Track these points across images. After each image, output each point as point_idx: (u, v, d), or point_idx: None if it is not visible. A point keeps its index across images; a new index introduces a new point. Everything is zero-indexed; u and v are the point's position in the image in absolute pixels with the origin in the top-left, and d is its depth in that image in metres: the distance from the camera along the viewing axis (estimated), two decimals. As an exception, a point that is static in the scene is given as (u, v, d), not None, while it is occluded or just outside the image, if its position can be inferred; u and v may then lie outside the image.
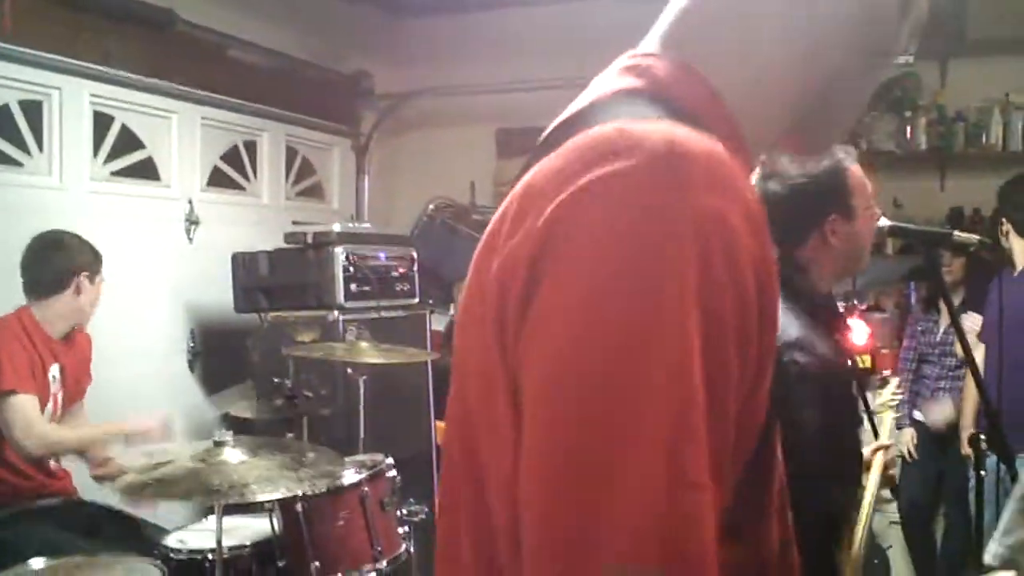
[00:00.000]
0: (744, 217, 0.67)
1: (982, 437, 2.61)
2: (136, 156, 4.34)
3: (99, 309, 3.46)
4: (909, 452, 4.35)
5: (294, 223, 4.51)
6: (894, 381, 2.66)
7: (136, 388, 3.92)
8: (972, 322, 3.89)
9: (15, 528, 3.01)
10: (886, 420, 2.42)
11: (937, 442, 4.18)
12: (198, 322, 4.52)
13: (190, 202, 4.52)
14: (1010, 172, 4.43)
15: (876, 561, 4.19)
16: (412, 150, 5.93)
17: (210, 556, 2.65)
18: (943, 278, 3.84)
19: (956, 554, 4.17)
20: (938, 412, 4.19)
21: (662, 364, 0.62)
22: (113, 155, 4.22)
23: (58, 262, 3.30)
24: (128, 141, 4.29)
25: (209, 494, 2.36)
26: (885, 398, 2.51)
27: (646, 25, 0.87)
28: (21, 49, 3.66)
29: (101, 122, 4.14)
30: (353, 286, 4.06)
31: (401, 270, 4.38)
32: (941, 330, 4.27)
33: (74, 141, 3.96)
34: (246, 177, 5.02)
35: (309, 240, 4.14)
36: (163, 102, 4.38)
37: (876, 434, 2.86)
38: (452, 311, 4.74)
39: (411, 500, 3.10)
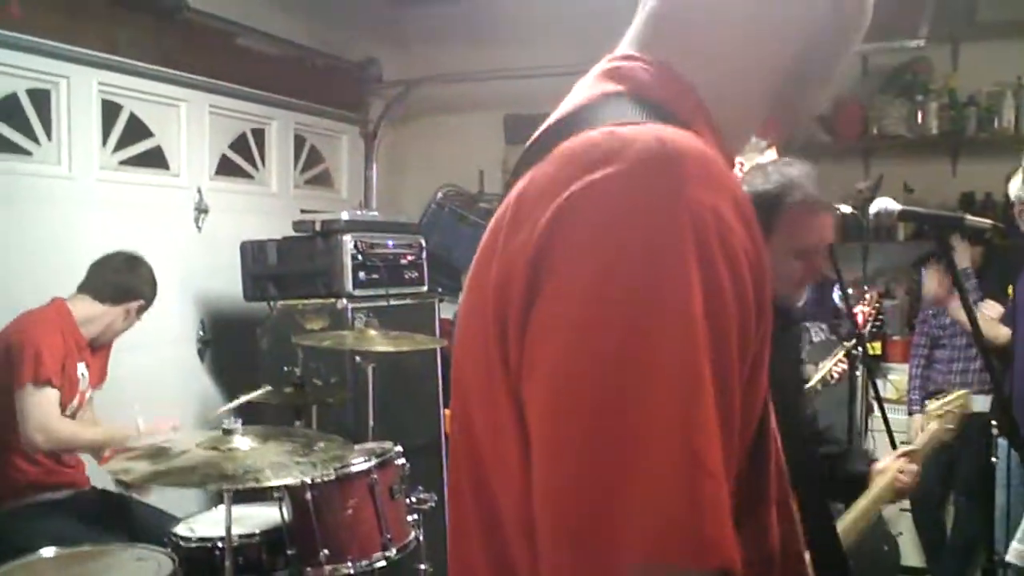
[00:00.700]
0: (736, 211, 0.68)
1: (993, 423, 2.60)
2: (145, 145, 4.33)
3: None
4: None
5: (302, 211, 4.52)
6: (959, 394, 2.52)
7: (146, 377, 3.93)
8: (990, 310, 3.87)
9: (27, 518, 3.02)
10: (931, 428, 2.37)
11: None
12: (207, 311, 4.53)
13: (199, 191, 4.52)
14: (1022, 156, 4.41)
15: (886, 548, 4.19)
16: (420, 137, 5.91)
17: (220, 544, 2.66)
18: (955, 262, 3.81)
19: (966, 540, 4.16)
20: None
21: (671, 357, 0.62)
22: (122, 144, 4.22)
23: (131, 279, 3.40)
24: (137, 130, 4.29)
25: (224, 481, 2.37)
26: (936, 407, 2.44)
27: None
28: (29, 38, 3.65)
29: (109, 111, 4.14)
30: (362, 274, 4.06)
31: (410, 258, 4.38)
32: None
33: (83, 130, 3.96)
34: (254, 165, 5.01)
35: (317, 228, 4.14)
36: (171, 90, 4.37)
37: (889, 431, 2.84)
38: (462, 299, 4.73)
39: (420, 488, 3.11)
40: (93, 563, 2.54)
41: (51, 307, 3.25)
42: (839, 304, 4.74)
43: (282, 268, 4.19)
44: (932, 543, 4.36)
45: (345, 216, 4.18)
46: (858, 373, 2.98)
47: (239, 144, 4.89)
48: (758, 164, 2.00)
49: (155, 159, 4.39)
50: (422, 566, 3.13)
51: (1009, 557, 2.86)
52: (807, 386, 3.00)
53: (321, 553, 2.75)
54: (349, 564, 2.78)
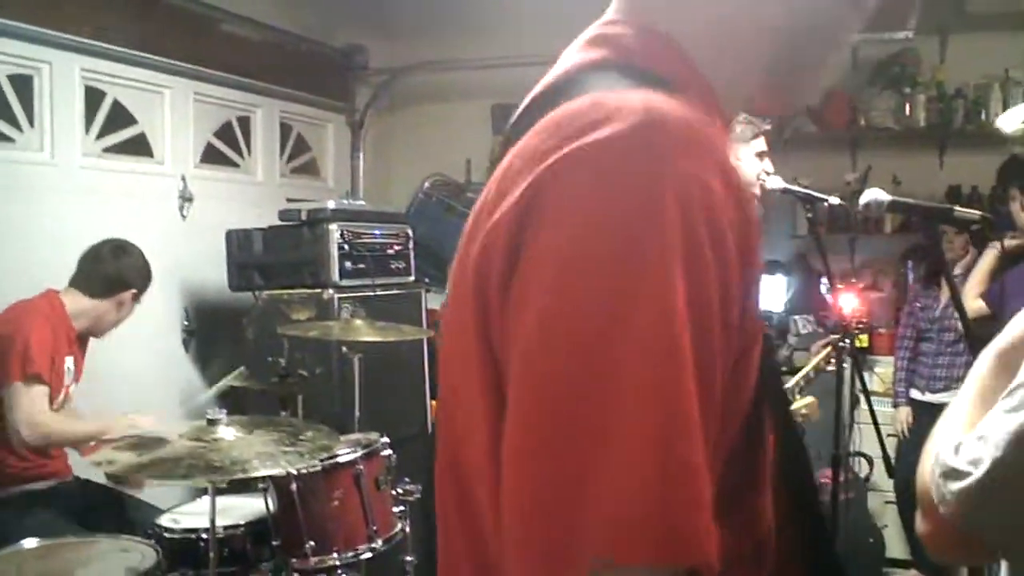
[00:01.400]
0: (722, 180, 0.66)
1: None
2: (129, 132, 4.29)
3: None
4: (903, 432, 4.35)
5: (288, 200, 4.49)
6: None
7: (130, 368, 3.90)
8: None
9: (9, 509, 2.99)
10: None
11: (933, 420, 4.16)
12: (192, 300, 4.50)
13: (183, 179, 4.48)
14: (1009, 150, 4.42)
15: (871, 540, 4.21)
16: (407, 126, 5.88)
17: (204, 535, 2.64)
18: (944, 254, 3.82)
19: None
20: None
21: (647, 339, 0.60)
22: (105, 131, 4.17)
23: (119, 269, 3.33)
24: (120, 116, 4.25)
25: (211, 472, 2.34)
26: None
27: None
28: (10, 23, 3.61)
29: (93, 97, 4.09)
30: (348, 264, 4.03)
31: (396, 248, 4.36)
32: (941, 305, 4.25)
33: (65, 116, 3.92)
34: (240, 154, 4.97)
35: (303, 217, 4.11)
36: (155, 77, 4.33)
37: (875, 422, 2.85)
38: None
39: (406, 479, 3.09)
40: (76, 554, 2.52)
41: (43, 299, 3.21)
42: (826, 296, 4.75)
43: (268, 257, 4.16)
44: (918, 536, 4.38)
45: (331, 205, 4.15)
46: (845, 365, 2.98)
47: (224, 132, 4.85)
48: None
49: (139, 146, 4.35)
50: (408, 558, 3.12)
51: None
52: (794, 379, 3.00)
53: (307, 544, 2.73)
54: (335, 555, 2.76)
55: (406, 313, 4.16)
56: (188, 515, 2.86)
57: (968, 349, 2.54)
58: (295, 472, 2.70)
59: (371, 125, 5.76)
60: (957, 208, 2.40)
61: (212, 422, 2.56)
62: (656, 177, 0.63)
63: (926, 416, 4.12)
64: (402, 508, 3.03)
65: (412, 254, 4.45)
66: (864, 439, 3.93)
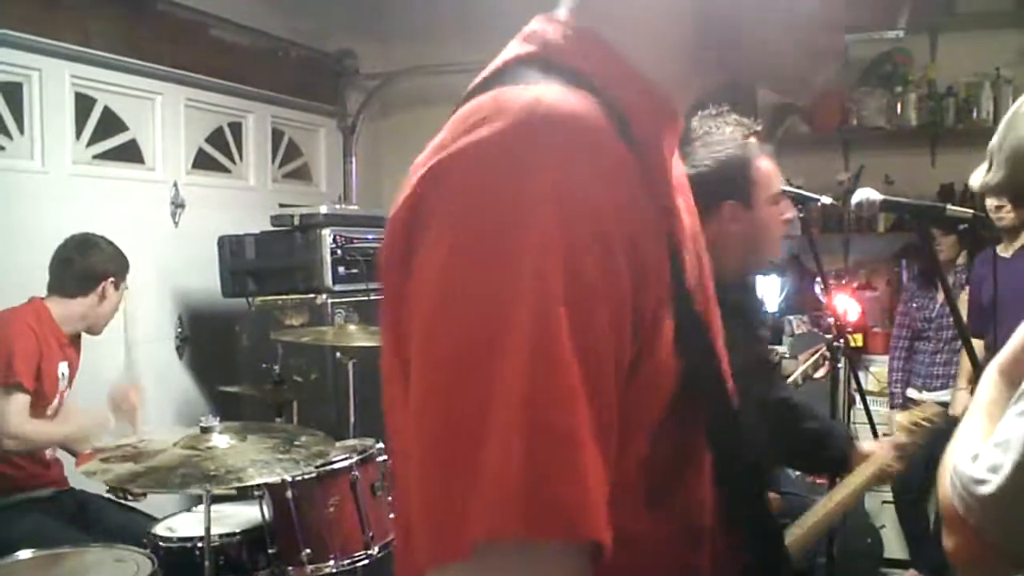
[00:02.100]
0: (611, 175, 0.67)
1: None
2: (119, 139, 4.27)
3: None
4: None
5: (281, 206, 4.48)
6: (929, 405, 2.57)
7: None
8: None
9: (5, 518, 2.98)
10: (903, 437, 2.37)
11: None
12: (185, 307, 4.48)
13: (175, 185, 4.46)
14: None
15: (869, 540, 4.21)
16: (399, 130, 5.87)
17: (200, 544, 2.63)
18: (936, 253, 3.82)
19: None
20: None
21: (521, 330, 0.61)
22: (96, 138, 4.15)
23: (88, 264, 3.29)
24: (111, 123, 4.23)
25: (207, 481, 2.33)
26: (914, 417, 2.43)
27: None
28: (0, 30, 3.59)
29: (83, 104, 4.08)
30: (341, 269, 4.02)
31: (389, 252, 4.34)
32: (938, 304, 4.25)
33: (56, 123, 3.90)
34: (232, 159, 4.96)
35: (296, 222, 4.10)
36: (146, 83, 4.31)
37: (871, 423, 2.85)
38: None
39: (402, 485, 3.07)
40: (71, 564, 2.51)
41: (28, 307, 3.20)
42: (820, 296, 4.75)
43: (260, 263, 4.15)
44: (915, 535, 4.38)
45: (324, 210, 4.14)
46: (840, 366, 2.98)
47: (216, 138, 4.83)
48: (703, 140, 2.03)
49: (130, 153, 4.33)
50: (405, 563, 3.10)
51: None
52: (789, 380, 2.99)
53: (303, 552, 2.72)
54: (331, 563, 2.75)
55: (400, 318, 4.13)
56: (183, 523, 2.85)
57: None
58: (291, 479, 2.69)
59: (363, 130, 5.74)
60: (949, 207, 2.41)
61: (206, 430, 2.56)
62: (533, 176, 0.64)
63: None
64: (398, 514, 3.02)
65: (405, 259, 4.43)
66: (860, 439, 3.93)
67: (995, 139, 1.32)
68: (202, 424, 2.58)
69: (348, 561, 2.78)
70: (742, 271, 2.11)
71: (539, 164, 0.64)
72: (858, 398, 3.10)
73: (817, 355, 3.06)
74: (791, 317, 5.01)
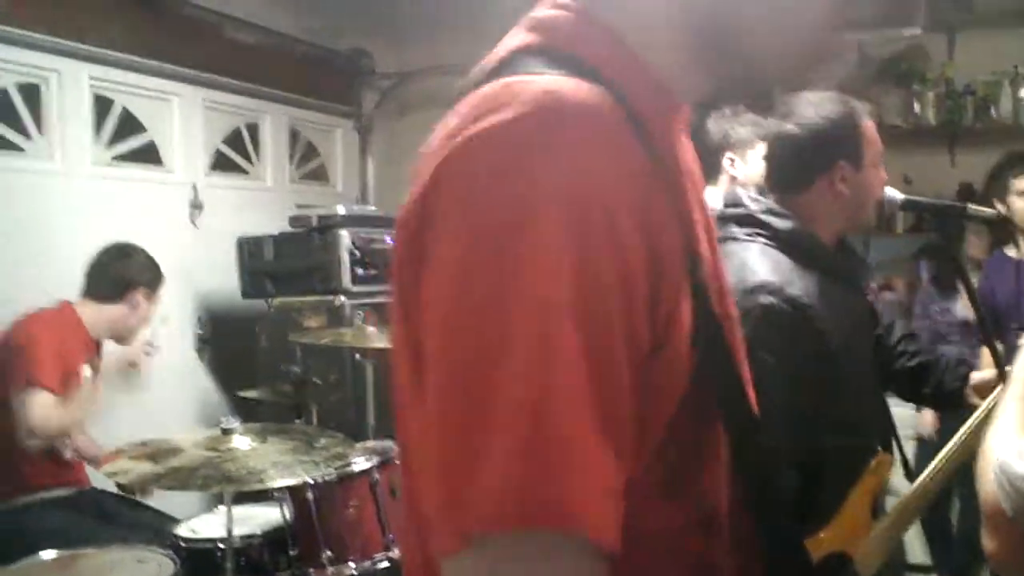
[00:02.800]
0: (624, 170, 0.67)
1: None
2: (138, 140, 4.29)
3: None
4: (930, 435, 4.28)
5: (298, 206, 4.48)
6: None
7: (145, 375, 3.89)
8: None
9: (27, 517, 3.00)
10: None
11: (954, 421, 4.12)
12: (205, 308, 4.49)
13: (194, 187, 4.47)
14: (1021, 146, 4.39)
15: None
16: (415, 130, 5.80)
17: (221, 545, 2.64)
18: (958, 254, 3.79)
19: (972, 534, 4.13)
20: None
21: (528, 331, 0.62)
22: (115, 139, 4.18)
23: (122, 272, 3.33)
24: (130, 124, 4.25)
25: (227, 482, 2.34)
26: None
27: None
28: (18, 31, 3.61)
29: (102, 105, 4.09)
30: (359, 270, 4.02)
31: (407, 253, 4.34)
32: (960, 306, 4.20)
33: (75, 125, 3.92)
34: (249, 160, 4.97)
35: (314, 223, 4.11)
36: (164, 84, 4.33)
37: (892, 427, 2.81)
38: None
39: (422, 486, 3.08)
40: (93, 564, 2.52)
41: (58, 310, 3.23)
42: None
43: (279, 264, 4.16)
44: (938, 537, 4.34)
45: (341, 211, 4.14)
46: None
47: (233, 139, 4.85)
48: (808, 98, 1.97)
49: (149, 155, 4.35)
50: (424, 565, 3.11)
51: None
52: None
53: (324, 554, 2.72)
54: (352, 565, 2.74)
55: (418, 318, 4.14)
56: (205, 525, 2.86)
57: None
58: (311, 481, 2.69)
59: (379, 130, 5.75)
60: (971, 205, 2.39)
61: (227, 431, 2.56)
62: (544, 170, 0.64)
63: (951, 418, 4.08)
64: (418, 515, 3.02)
65: (423, 259, 4.43)
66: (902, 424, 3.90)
67: None
68: (223, 426, 2.58)
69: (368, 563, 2.77)
70: (841, 234, 2.05)
71: (548, 158, 0.64)
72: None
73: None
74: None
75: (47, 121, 3.84)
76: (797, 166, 1.93)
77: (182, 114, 4.45)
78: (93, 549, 2.60)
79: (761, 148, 2.84)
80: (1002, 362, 2.45)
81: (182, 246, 4.33)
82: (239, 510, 2.70)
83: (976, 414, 2.10)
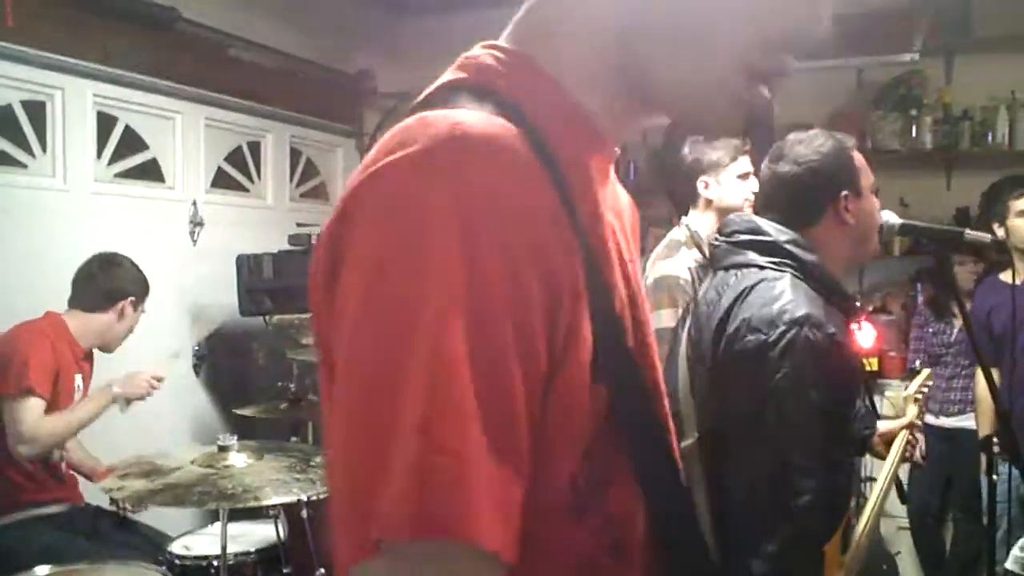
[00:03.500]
0: (522, 201, 0.68)
1: (995, 440, 2.58)
2: (140, 157, 4.32)
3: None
4: (921, 456, 4.29)
5: (298, 225, 4.50)
6: (925, 372, 2.63)
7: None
8: None
9: (21, 533, 3.00)
10: (910, 412, 2.41)
11: (946, 445, 4.14)
12: (203, 325, 4.50)
13: (194, 204, 4.50)
14: (1017, 171, 4.41)
15: (885, 567, 4.17)
16: (415, 150, 5.89)
17: (215, 562, 2.64)
18: (954, 278, 3.80)
19: (966, 559, 4.14)
20: None
21: (420, 352, 0.64)
22: (117, 156, 4.20)
23: (111, 282, 3.35)
24: (132, 142, 4.27)
25: (223, 500, 2.34)
26: (912, 390, 2.47)
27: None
28: (23, 49, 3.64)
29: (104, 123, 4.12)
30: (357, 289, 4.03)
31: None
32: (955, 330, 4.22)
33: (77, 142, 3.94)
34: (250, 178, 5.00)
35: (313, 242, 4.12)
36: (167, 102, 4.36)
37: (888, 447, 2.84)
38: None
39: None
40: (87, 581, 2.52)
41: (44, 319, 3.24)
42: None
43: (278, 282, 4.17)
44: (931, 561, 4.34)
45: (341, 230, 4.15)
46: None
47: (235, 157, 4.87)
48: (795, 138, 2.01)
49: (150, 172, 4.38)
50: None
51: (1008, 564, 2.85)
52: None
53: (317, 571, 2.72)
54: (346, 582, 2.75)
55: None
56: (199, 542, 2.86)
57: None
58: (306, 499, 2.70)
59: (380, 149, 5.77)
60: (968, 231, 2.40)
61: (223, 448, 2.57)
62: (442, 198, 0.65)
63: (940, 441, 4.09)
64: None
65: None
66: (875, 464, 3.90)
67: None
68: (219, 443, 2.59)
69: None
70: (848, 267, 2.06)
71: (445, 187, 0.66)
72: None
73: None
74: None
75: (51, 138, 3.87)
76: (803, 202, 1.94)
77: (184, 132, 4.48)
78: (88, 565, 2.60)
79: (738, 166, 2.87)
80: (995, 384, 2.47)
81: (182, 263, 4.35)
82: (234, 527, 2.70)
83: (886, 466, 2.16)
